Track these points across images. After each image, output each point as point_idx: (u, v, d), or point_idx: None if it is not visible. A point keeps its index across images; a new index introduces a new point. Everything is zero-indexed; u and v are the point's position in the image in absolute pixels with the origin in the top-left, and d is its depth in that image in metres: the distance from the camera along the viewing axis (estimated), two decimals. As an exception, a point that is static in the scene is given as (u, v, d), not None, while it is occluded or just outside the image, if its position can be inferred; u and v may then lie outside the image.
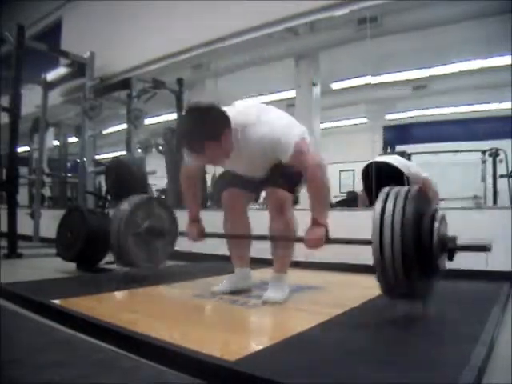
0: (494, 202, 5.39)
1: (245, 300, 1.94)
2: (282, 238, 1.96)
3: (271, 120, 1.81)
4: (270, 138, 1.75)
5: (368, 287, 2.20)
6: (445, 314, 1.70)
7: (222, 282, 2.13)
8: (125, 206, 2.42)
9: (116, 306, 2.02)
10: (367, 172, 3.73)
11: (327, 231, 1.75)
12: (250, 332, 1.61)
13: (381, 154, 5.06)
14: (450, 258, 1.54)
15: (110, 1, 5.28)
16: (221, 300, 1.96)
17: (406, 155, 5.35)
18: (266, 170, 1.97)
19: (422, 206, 1.53)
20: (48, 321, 1.64)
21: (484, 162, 5.83)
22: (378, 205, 1.47)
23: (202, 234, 2.11)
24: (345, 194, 7.15)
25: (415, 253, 1.43)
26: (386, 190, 1.53)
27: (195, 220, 2.12)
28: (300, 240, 1.79)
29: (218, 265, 2.88)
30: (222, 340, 1.39)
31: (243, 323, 1.70)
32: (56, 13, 6.25)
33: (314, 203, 1.78)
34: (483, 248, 1.50)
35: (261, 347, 1.28)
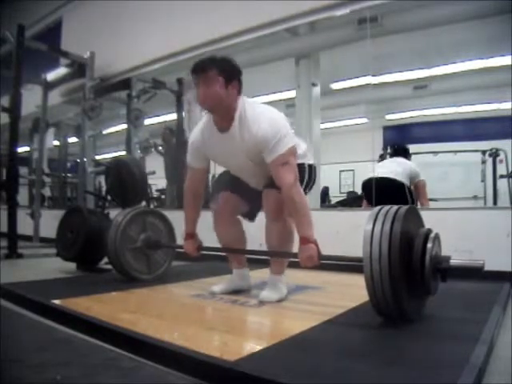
0: (494, 202, 5.39)
1: (244, 300, 1.94)
2: (278, 254, 1.96)
3: (276, 117, 1.80)
4: (266, 129, 1.74)
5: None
6: (445, 314, 1.70)
7: (222, 282, 2.14)
8: (120, 218, 2.42)
9: (116, 306, 2.02)
10: (367, 186, 3.68)
11: (318, 247, 1.75)
12: (249, 332, 1.61)
13: (381, 156, 5.02)
14: (444, 279, 1.54)
15: (110, 1, 5.28)
16: (220, 300, 1.96)
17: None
18: (260, 177, 1.96)
19: (413, 226, 1.54)
20: (48, 321, 1.64)
21: (484, 162, 5.83)
22: (368, 226, 1.49)
23: (199, 249, 2.13)
24: (345, 194, 7.16)
25: (404, 273, 1.43)
26: (375, 209, 1.54)
27: (191, 235, 2.12)
28: (295, 256, 1.79)
29: (217, 265, 2.88)
30: (221, 340, 1.39)
31: (243, 323, 1.70)
32: (56, 13, 6.25)
33: (298, 222, 1.78)
34: (477, 269, 1.50)
35: (260, 347, 1.28)
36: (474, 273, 1.54)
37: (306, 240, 1.74)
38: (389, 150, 5.05)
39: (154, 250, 2.51)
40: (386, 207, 1.54)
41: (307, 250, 1.73)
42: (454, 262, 1.52)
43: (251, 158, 1.86)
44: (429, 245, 1.48)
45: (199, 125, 1.99)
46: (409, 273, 1.46)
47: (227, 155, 1.92)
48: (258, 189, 2.02)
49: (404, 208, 1.52)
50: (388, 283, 1.40)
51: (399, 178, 3.50)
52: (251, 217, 2.16)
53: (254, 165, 1.89)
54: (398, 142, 5.11)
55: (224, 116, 1.82)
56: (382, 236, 1.43)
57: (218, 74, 1.75)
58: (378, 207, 1.56)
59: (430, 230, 1.56)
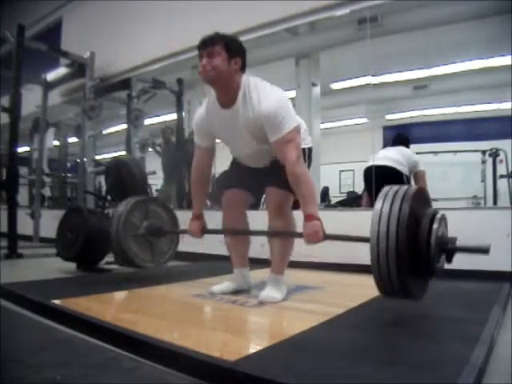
0: (494, 202, 5.39)
1: (244, 300, 1.94)
2: (281, 233, 1.96)
3: (280, 96, 1.80)
4: (271, 108, 1.74)
5: (367, 287, 2.20)
6: (445, 314, 1.70)
7: (222, 282, 2.14)
8: (122, 207, 2.41)
9: (116, 306, 2.02)
10: (367, 174, 3.72)
11: (322, 224, 1.74)
12: (249, 332, 1.61)
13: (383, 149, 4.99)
14: (449, 260, 1.53)
15: (110, 1, 5.28)
16: (221, 300, 1.96)
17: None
18: (263, 158, 1.97)
19: (421, 206, 1.52)
20: (48, 321, 1.64)
21: (484, 162, 5.82)
22: (377, 204, 1.48)
23: (203, 231, 2.12)
24: (345, 194, 7.16)
25: (410, 253, 1.42)
26: (385, 189, 1.54)
27: (198, 217, 2.11)
28: (299, 235, 1.79)
29: (217, 265, 2.88)
30: (221, 340, 1.39)
31: (243, 323, 1.69)
32: (56, 13, 6.26)
33: (302, 198, 1.78)
34: (483, 250, 1.49)
35: (260, 347, 1.27)
36: (479, 253, 1.52)
37: (310, 217, 1.74)
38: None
39: (158, 236, 2.49)
40: (395, 187, 1.53)
41: (312, 227, 1.72)
42: (460, 243, 1.50)
43: (253, 135, 1.86)
44: (435, 225, 1.47)
45: (203, 103, 1.99)
46: (414, 252, 1.45)
47: (229, 132, 1.91)
48: (258, 167, 2.03)
49: (413, 188, 1.51)
50: (394, 261, 1.38)
51: (399, 166, 3.55)
52: (255, 206, 2.19)
53: (256, 143, 1.89)
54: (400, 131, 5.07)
55: (226, 91, 1.82)
56: (390, 215, 1.42)
57: (222, 48, 1.79)
58: (388, 187, 1.55)
59: (436, 211, 1.55)
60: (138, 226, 2.42)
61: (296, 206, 2.03)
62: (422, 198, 1.57)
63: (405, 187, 1.52)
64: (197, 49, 1.83)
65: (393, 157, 3.64)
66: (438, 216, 1.51)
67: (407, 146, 3.86)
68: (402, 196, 1.45)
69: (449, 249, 1.50)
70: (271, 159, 1.97)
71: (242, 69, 1.85)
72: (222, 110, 1.86)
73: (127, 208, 2.39)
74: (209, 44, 1.80)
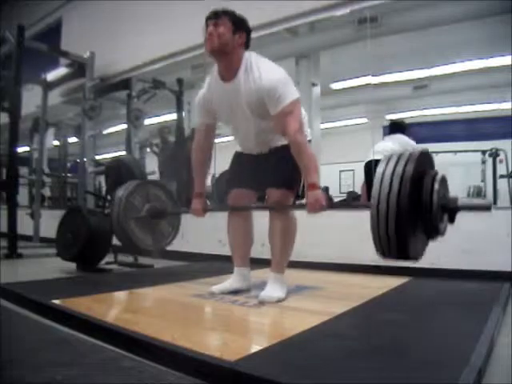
0: (494, 202, 5.39)
1: (244, 300, 1.94)
2: (284, 206, 1.96)
3: (280, 71, 1.85)
4: (272, 81, 1.78)
5: (367, 287, 2.20)
6: (446, 314, 1.70)
7: (222, 282, 2.14)
8: (122, 190, 2.39)
9: (116, 306, 2.02)
10: (367, 169, 3.72)
11: (324, 193, 1.76)
12: (249, 332, 1.61)
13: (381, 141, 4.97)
14: (451, 220, 1.52)
15: (110, 1, 5.28)
16: (220, 300, 1.96)
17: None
18: (262, 139, 1.97)
19: (424, 167, 1.52)
20: (48, 321, 1.64)
21: (484, 162, 5.82)
22: (381, 166, 1.48)
23: (205, 209, 2.13)
24: (345, 194, 7.16)
25: (411, 212, 1.41)
26: (389, 154, 1.54)
27: (200, 195, 2.12)
28: (301, 207, 1.80)
29: (217, 265, 2.88)
30: (221, 340, 1.39)
31: (243, 323, 1.69)
32: (56, 13, 6.26)
33: (304, 168, 1.80)
34: (485, 207, 1.49)
35: (260, 347, 1.27)
36: (482, 210, 1.51)
37: (312, 186, 1.77)
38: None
39: (159, 218, 2.46)
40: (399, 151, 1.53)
41: (314, 196, 1.75)
42: (461, 201, 1.50)
43: (253, 110, 1.86)
44: (436, 185, 1.46)
45: (206, 80, 2.01)
46: (416, 211, 1.44)
47: (229, 107, 1.92)
48: (259, 152, 2.03)
49: (417, 151, 1.51)
50: (393, 220, 1.38)
51: None
52: (261, 199, 2.20)
53: (256, 118, 1.89)
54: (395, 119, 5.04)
55: (228, 63, 1.85)
56: (393, 175, 1.42)
57: (228, 20, 1.84)
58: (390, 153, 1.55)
59: (436, 172, 1.54)
60: (139, 209, 2.41)
61: (296, 200, 2.05)
62: (426, 159, 1.56)
63: (408, 151, 1.52)
64: (205, 21, 1.87)
65: (390, 149, 3.58)
66: (439, 177, 1.50)
67: (404, 133, 3.80)
68: (407, 157, 1.45)
69: (450, 208, 1.49)
70: (270, 146, 1.98)
71: (246, 45, 1.90)
72: (223, 84, 1.89)
73: (128, 190, 2.37)
74: (215, 15, 1.84)
